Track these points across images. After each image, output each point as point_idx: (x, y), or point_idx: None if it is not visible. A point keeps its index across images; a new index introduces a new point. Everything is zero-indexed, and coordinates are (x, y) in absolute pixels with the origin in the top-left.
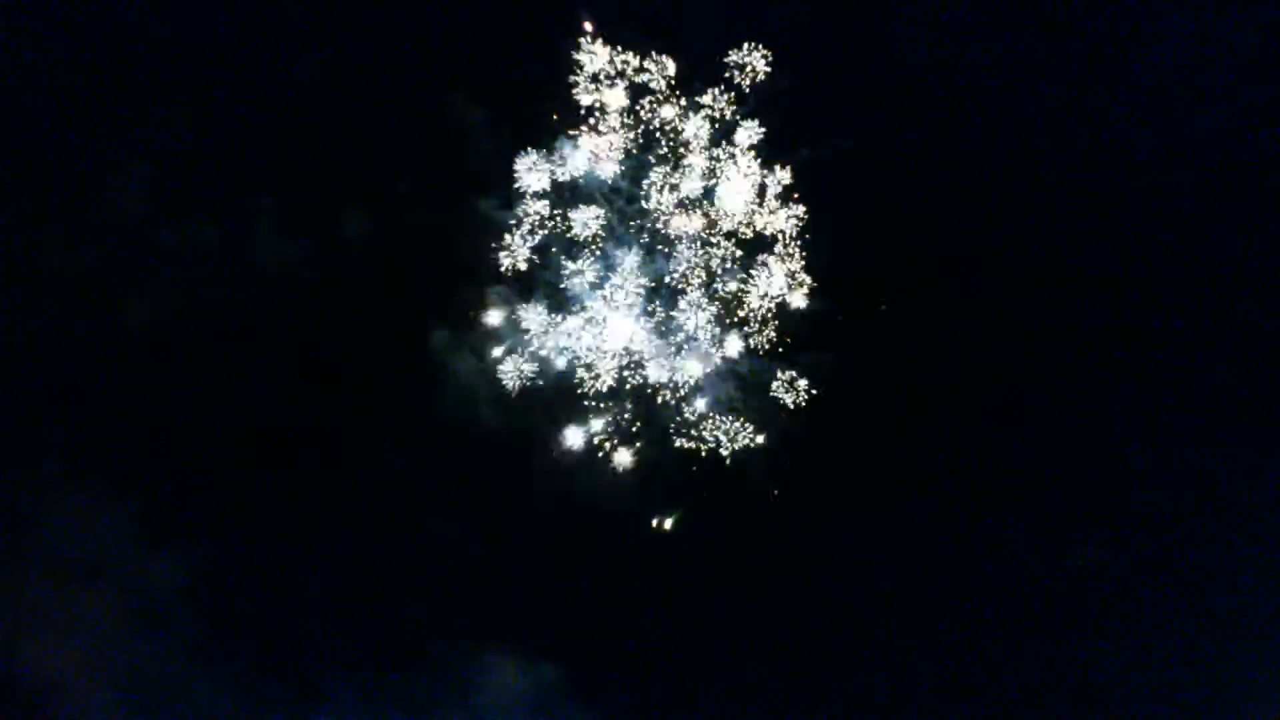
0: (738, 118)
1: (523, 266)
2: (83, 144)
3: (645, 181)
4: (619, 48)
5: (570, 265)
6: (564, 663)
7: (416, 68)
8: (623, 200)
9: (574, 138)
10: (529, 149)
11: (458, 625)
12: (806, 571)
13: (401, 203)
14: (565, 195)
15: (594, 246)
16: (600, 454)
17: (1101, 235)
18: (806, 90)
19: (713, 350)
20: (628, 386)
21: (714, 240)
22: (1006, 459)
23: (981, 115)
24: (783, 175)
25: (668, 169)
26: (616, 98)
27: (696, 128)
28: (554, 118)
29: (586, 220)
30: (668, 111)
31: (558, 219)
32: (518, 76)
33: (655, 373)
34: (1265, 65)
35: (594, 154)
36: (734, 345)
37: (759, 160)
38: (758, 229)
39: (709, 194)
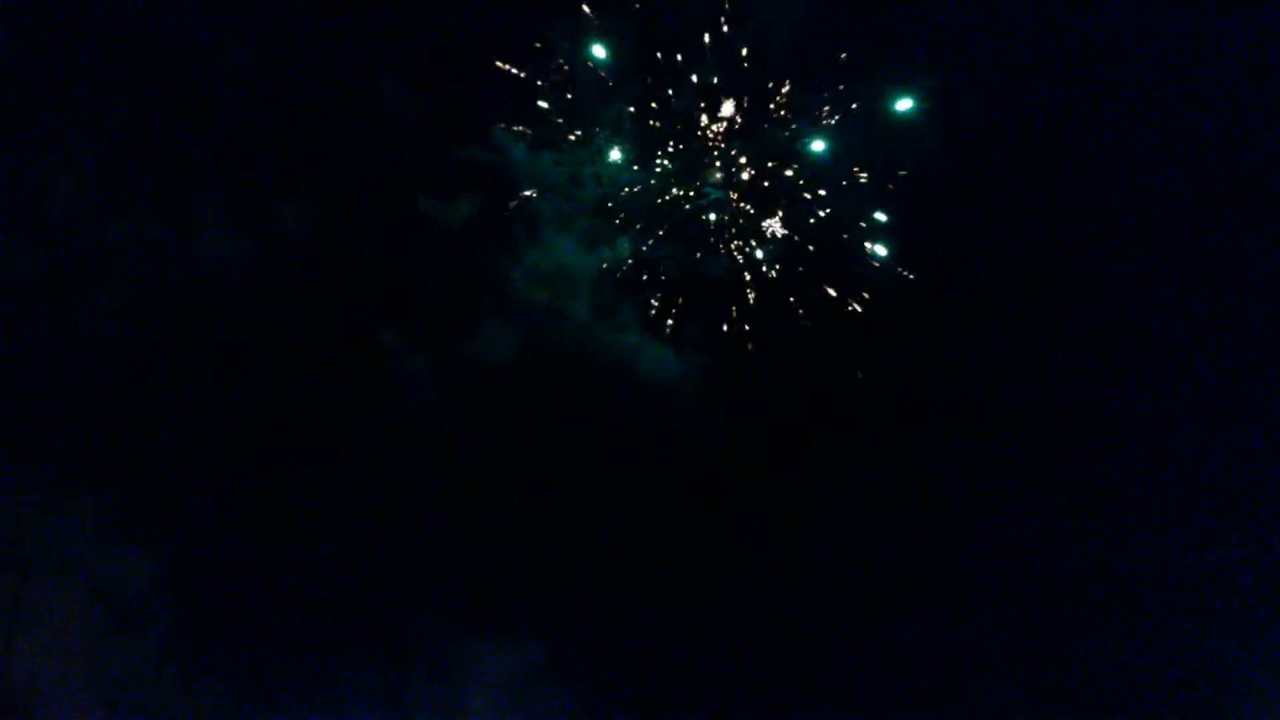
0: None
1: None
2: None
3: None
4: None
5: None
6: (549, 644)
7: (360, 61)
8: None
9: None
10: None
11: (443, 617)
12: (801, 562)
13: (349, 198)
14: None
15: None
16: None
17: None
18: None
19: None
20: None
21: None
22: (1005, 457)
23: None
24: None
25: None
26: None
27: None
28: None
29: None
30: None
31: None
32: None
33: None
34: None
35: None
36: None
37: None
38: None
39: None
